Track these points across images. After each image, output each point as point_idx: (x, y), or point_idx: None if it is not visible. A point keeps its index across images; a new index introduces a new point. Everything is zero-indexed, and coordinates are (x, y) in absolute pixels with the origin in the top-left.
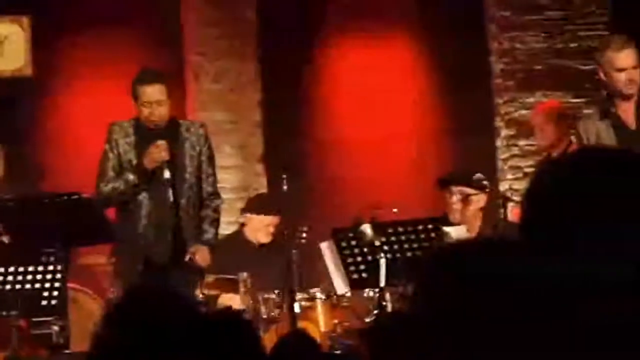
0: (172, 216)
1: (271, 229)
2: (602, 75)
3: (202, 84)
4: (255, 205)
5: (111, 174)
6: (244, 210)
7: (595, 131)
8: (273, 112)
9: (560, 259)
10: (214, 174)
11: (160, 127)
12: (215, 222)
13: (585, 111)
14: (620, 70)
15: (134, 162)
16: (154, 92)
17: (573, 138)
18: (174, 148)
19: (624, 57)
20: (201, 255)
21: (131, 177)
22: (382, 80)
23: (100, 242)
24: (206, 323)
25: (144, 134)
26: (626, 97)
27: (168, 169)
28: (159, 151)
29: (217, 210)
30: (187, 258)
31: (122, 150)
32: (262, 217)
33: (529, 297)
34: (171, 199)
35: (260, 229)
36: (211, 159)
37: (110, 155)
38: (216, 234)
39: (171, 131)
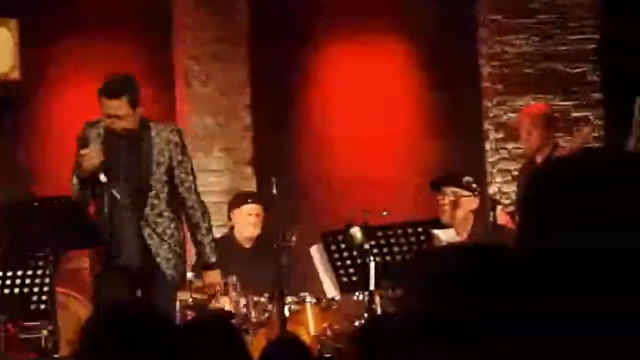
0: (130, 223)
1: (254, 219)
2: None
3: (192, 87)
4: (235, 199)
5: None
6: (228, 210)
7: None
8: (263, 116)
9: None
10: (190, 180)
11: (129, 132)
12: (212, 242)
13: None
14: None
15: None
16: (113, 107)
17: (561, 142)
18: (139, 153)
19: None
20: (212, 281)
21: (74, 180)
22: (372, 84)
23: (89, 246)
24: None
25: (111, 139)
26: None
27: (103, 171)
28: (88, 159)
29: (209, 230)
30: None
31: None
32: (243, 208)
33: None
34: (106, 206)
35: (245, 221)
36: (183, 163)
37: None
38: (215, 250)
39: (140, 136)
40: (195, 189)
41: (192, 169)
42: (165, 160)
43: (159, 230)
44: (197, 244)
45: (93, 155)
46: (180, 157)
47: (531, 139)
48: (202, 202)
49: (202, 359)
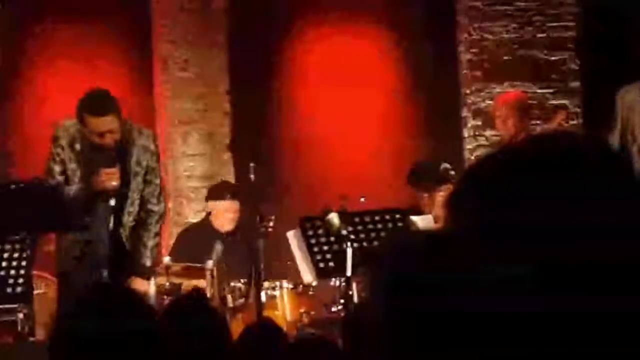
0: (108, 240)
1: (230, 215)
2: None
3: (171, 72)
4: (212, 192)
5: (59, 179)
6: (206, 199)
7: (629, 104)
8: (241, 101)
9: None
10: (156, 184)
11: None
12: (154, 248)
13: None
14: None
15: (78, 173)
16: (106, 123)
17: (538, 129)
18: (120, 166)
19: None
20: (139, 288)
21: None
22: (351, 70)
23: (66, 229)
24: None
25: (90, 147)
26: None
27: (114, 196)
28: (110, 179)
29: (157, 234)
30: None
31: (67, 158)
32: (219, 202)
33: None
34: (111, 227)
35: (221, 215)
36: (155, 170)
37: (57, 158)
38: (154, 257)
39: (120, 148)
40: (159, 194)
41: (160, 175)
42: (142, 169)
43: (132, 232)
44: (140, 245)
45: (117, 177)
46: (154, 165)
47: (507, 127)
48: (162, 208)
49: (182, 339)
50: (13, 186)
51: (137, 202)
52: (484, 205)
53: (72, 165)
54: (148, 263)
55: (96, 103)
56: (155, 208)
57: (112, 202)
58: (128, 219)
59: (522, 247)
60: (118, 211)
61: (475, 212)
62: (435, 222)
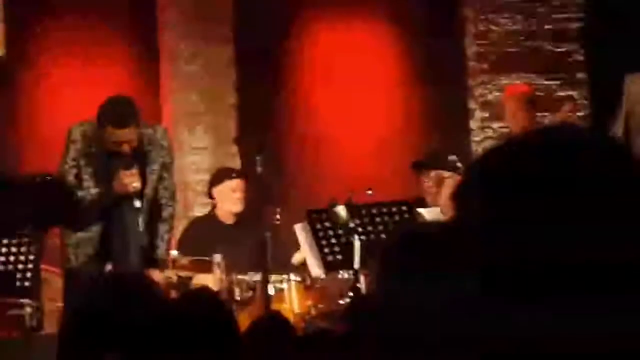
0: (138, 238)
1: (238, 194)
2: None
3: (177, 65)
4: (216, 177)
5: (73, 181)
6: (209, 188)
7: (636, 94)
8: (248, 94)
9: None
10: (169, 179)
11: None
12: (169, 241)
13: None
14: None
15: (92, 175)
16: (124, 135)
17: (545, 121)
18: (138, 166)
19: None
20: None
21: (94, 191)
22: (358, 63)
23: (74, 223)
24: (179, 307)
25: (106, 149)
26: None
27: (137, 197)
28: (132, 181)
29: (171, 228)
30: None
31: (81, 160)
32: (225, 183)
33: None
34: (141, 227)
35: (228, 197)
36: (170, 164)
37: (70, 160)
38: (167, 248)
39: (136, 149)
40: (174, 190)
41: (173, 170)
42: (158, 168)
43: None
44: (158, 238)
45: (137, 179)
46: (168, 161)
47: (516, 121)
48: (174, 202)
49: (193, 332)
50: (20, 181)
51: (149, 198)
52: (489, 197)
53: (87, 168)
54: (164, 256)
55: (118, 114)
56: (171, 202)
57: (138, 204)
58: (145, 217)
59: (525, 239)
60: (145, 212)
61: (481, 205)
62: (442, 213)
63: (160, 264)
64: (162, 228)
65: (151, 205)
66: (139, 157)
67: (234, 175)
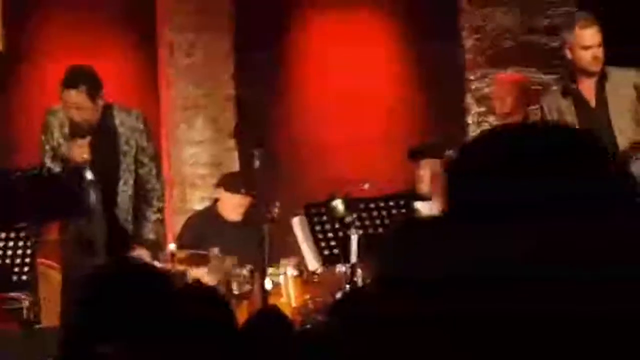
0: (104, 217)
1: (241, 209)
2: (568, 52)
3: (175, 57)
4: (227, 182)
5: (51, 165)
6: (217, 185)
7: (557, 107)
8: (246, 87)
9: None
10: (151, 165)
11: (89, 123)
12: (157, 222)
13: (553, 88)
14: (586, 48)
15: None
16: (69, 96)
17: (535, 111)
18: (105, 144)
19: (590, 36)
20: (139, 255)
21: (49, 164)
22: (355, 57)
23: (71, 217)
24: (181, 297)
25: (76, 127)
26: (590, 75)
27: (90, 169)
28: (81, 152)
29: (160, 210)
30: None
31: (56, 144)
32: (231, 195)
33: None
34: (94, 201)
35: (230, 207)
36: (147, 149)
37: (47, 147)
38: (157, 233)
39: (104, 126)
40: (158, 173)
41: (155, 154)
42: (131, 148)
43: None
44: (141, 217)
45: (86, 150)
46: (145, 144)
47: (503, 105)
48: (161, 186)
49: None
50: (17, 174)
51: (130, 182)
52: (475, 189)
53: (62, 149)
54: (150, 235)
55: (68, 74)
56: (156, 186)
57: (89, 176)
58: (123, 199)
59: (509, 226)
60: (110, 191)
61: (467, 194)
62: (435, 202)
63: (145, 242)
64: (147, 209)
65: (136, 189)
66: (110, 135)
67: (243, 191)
